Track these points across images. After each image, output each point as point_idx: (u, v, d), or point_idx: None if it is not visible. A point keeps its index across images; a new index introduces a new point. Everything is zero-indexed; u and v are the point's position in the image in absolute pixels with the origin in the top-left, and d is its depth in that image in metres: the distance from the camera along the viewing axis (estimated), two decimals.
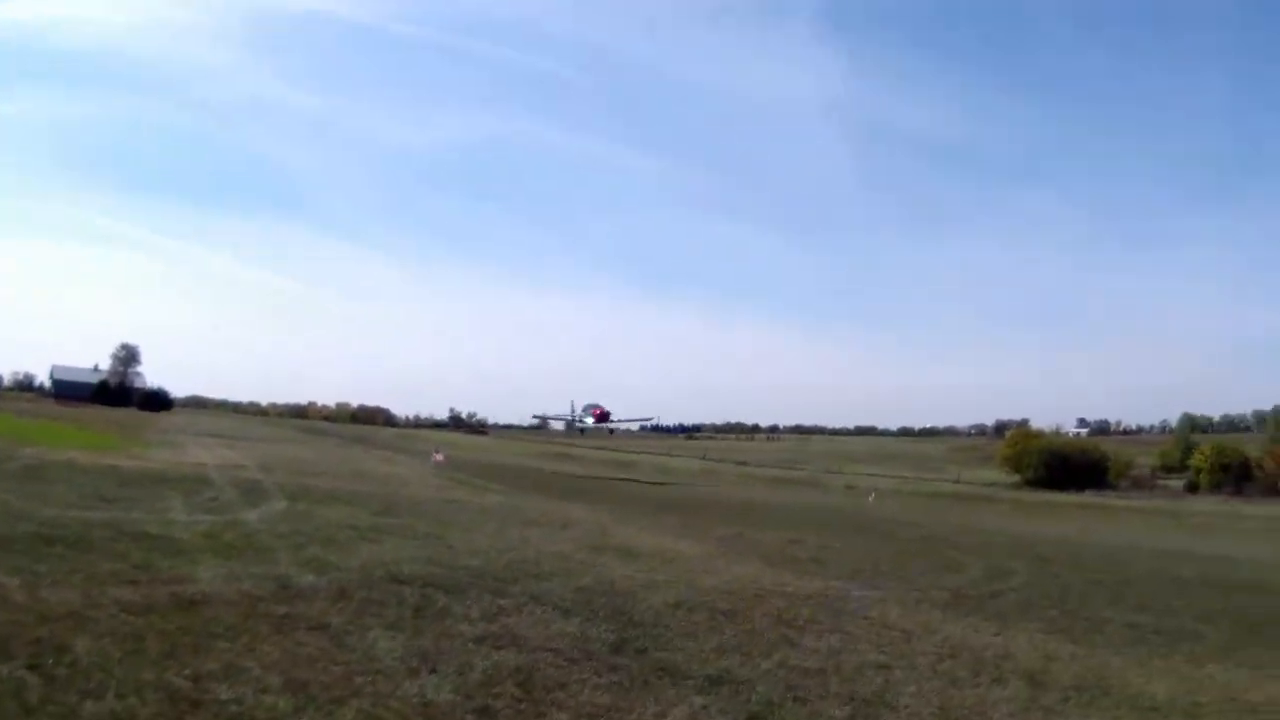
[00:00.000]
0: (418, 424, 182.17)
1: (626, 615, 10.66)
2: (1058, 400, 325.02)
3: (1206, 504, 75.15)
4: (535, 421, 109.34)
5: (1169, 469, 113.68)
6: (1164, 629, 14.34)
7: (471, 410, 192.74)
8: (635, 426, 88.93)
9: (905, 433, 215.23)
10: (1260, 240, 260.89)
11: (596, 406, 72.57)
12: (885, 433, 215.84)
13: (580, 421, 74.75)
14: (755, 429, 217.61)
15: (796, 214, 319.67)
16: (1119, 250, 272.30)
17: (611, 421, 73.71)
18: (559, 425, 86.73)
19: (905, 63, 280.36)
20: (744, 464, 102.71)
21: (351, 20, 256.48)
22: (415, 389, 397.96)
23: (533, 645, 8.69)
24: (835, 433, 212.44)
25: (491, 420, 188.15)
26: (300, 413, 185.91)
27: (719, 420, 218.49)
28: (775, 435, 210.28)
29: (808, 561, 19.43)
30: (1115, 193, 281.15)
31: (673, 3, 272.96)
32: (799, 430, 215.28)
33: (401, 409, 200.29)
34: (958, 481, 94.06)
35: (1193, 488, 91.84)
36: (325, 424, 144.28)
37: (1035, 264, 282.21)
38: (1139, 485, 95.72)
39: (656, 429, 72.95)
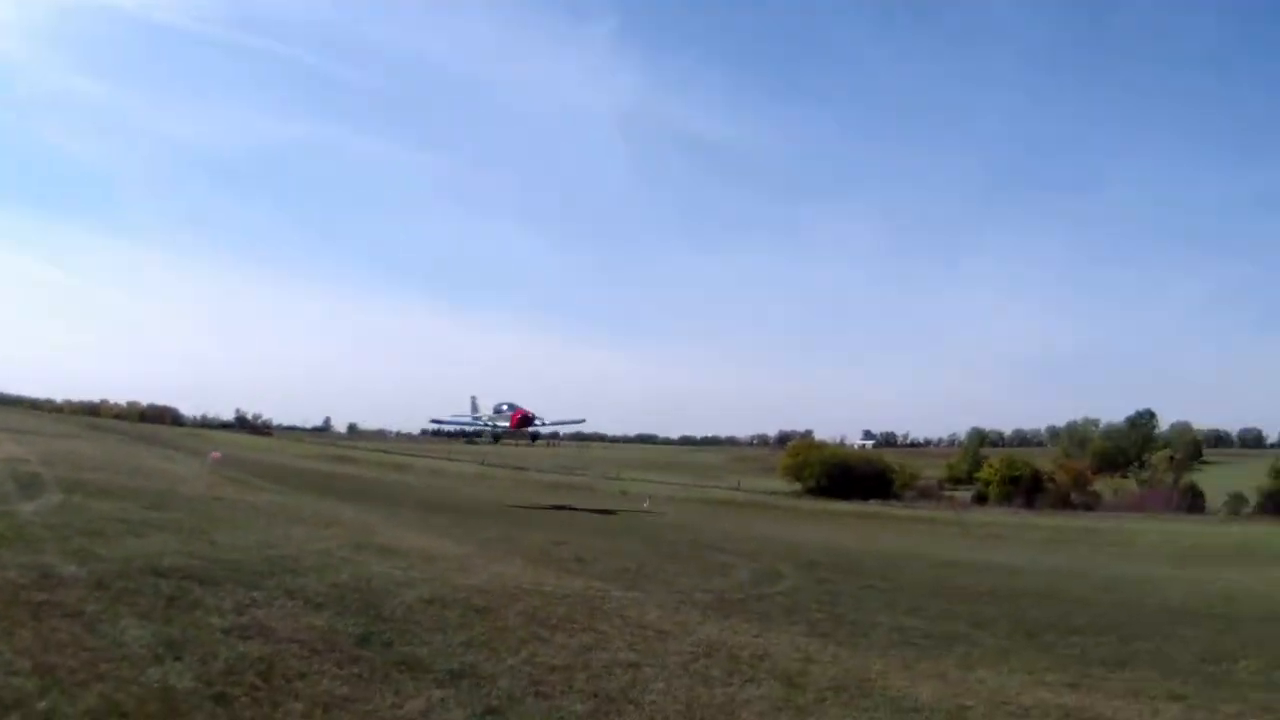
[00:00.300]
0: (205, 424, 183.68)
1: (376, 610, 11.20)
2: (843, 413, 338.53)
3: (995, 515, 79.99)
4: (432, 427, 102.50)
5: (957, 481, 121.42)
6: (935, 634, 15.34)
7: (258, 412, 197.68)
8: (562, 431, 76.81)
9: (686, 442, 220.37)
10: (1056, 257, 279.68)
11: (516, 409, 60.66)
12: (666, 441, 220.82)
13: (492, 426, 63.00)
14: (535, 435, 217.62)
15: (580, 220, 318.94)
16: (909, 265, 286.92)
17: (536, 426, 61.45)
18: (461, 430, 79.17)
19: (700, 75, 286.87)
20: (522, 469, 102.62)
21: (152, 18, 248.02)
22: (204, 390, 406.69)
23: (279, 637, 9.24)
24: (615, 440, 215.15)
25: (277, 422, 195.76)
26: (93, 410, 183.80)
27: None
28: (554, 442, 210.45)
29: (570, 562, 20.31)
30: (908, 206, 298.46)
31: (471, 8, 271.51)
32: (579, 438, 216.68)
33: (190, 409, 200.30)
34: (737, 489, 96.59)
35: (981, 499, 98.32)
36: (114, 421, 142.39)
37: (825, 276, 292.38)
38: (925, 496, 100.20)
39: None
